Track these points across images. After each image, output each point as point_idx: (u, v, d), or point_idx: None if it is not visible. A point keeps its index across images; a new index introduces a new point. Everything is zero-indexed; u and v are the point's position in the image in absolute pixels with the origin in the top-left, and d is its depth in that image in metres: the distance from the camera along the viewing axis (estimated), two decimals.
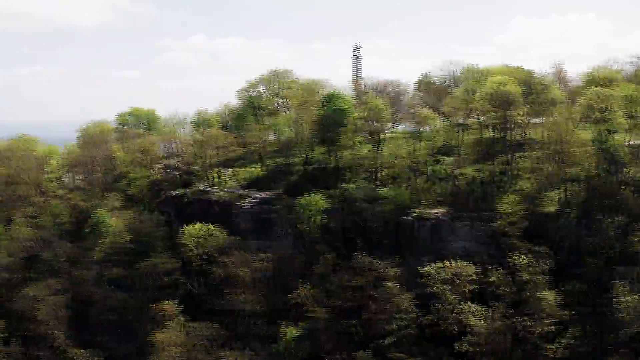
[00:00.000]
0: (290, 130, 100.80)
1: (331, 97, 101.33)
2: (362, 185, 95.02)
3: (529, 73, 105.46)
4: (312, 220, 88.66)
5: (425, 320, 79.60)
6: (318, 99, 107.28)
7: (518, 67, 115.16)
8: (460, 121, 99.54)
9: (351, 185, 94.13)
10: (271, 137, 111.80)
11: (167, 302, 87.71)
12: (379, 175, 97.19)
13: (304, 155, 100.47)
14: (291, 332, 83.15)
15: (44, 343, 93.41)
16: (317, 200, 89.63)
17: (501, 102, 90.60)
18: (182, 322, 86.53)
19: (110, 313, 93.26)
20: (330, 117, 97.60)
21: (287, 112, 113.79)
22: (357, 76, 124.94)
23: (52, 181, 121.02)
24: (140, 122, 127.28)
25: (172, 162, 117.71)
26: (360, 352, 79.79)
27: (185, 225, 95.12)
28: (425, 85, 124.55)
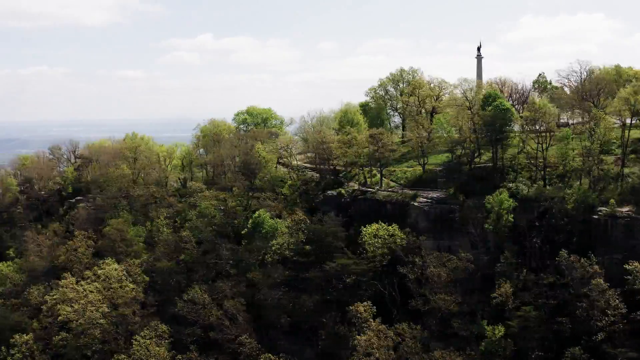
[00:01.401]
0: (452, 129, 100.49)
1: (491, 97, 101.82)
2: (527, 184, 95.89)
3: None
4: (503, 219, 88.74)
5: (637, 316, 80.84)
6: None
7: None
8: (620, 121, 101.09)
9: (522, 185, 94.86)
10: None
11: (362, 303, 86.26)
12: (542, 174, 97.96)
13: (469, 155, 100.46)
14: (498, 330, 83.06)
15: (217, 349, 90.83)
16: (505, 199, 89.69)
17: None
18: (379, 324, 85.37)
19: (289, 316, 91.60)
20: (496, 117, 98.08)
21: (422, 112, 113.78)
22: (479, 76, 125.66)
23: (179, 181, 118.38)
24: (256, 120, 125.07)
25: (296, 161, 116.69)
26: (573, 348, 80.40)
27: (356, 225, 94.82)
28: (541, 85, 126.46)
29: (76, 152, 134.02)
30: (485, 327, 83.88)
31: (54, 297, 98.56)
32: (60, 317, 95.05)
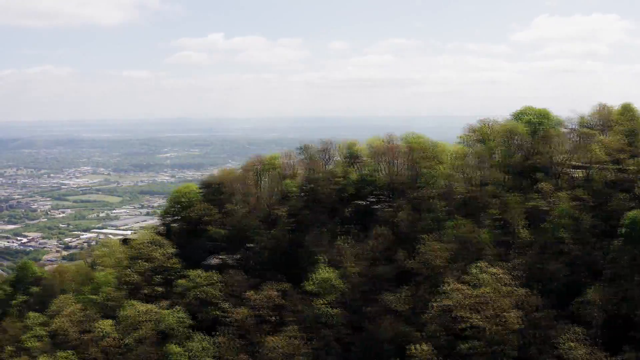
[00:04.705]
0: None
1: None
2: None
3: None
4: None
5: None
6: None
7: None
8: None
9: None
10: None
11: None
12: None
13: None
14: None
15: None
16: None
17: None
18: None
19: None
20: None
21: None
22: None
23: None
24: (540, 120, 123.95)
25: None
26: None
27: None
28: None
29: (328, 151, 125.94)
30: None
31: (441, 302, 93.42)
32: (464, 324, 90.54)
